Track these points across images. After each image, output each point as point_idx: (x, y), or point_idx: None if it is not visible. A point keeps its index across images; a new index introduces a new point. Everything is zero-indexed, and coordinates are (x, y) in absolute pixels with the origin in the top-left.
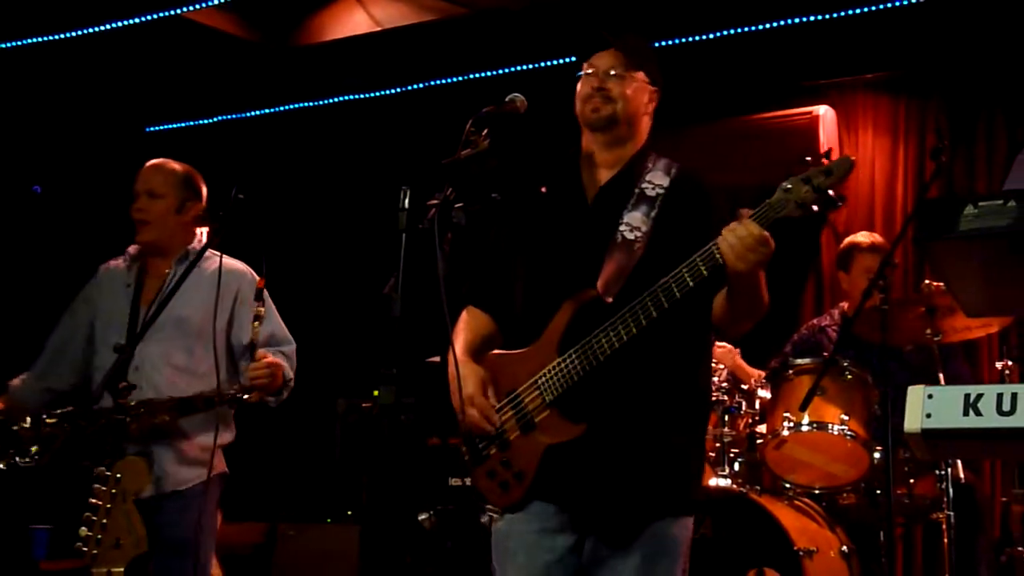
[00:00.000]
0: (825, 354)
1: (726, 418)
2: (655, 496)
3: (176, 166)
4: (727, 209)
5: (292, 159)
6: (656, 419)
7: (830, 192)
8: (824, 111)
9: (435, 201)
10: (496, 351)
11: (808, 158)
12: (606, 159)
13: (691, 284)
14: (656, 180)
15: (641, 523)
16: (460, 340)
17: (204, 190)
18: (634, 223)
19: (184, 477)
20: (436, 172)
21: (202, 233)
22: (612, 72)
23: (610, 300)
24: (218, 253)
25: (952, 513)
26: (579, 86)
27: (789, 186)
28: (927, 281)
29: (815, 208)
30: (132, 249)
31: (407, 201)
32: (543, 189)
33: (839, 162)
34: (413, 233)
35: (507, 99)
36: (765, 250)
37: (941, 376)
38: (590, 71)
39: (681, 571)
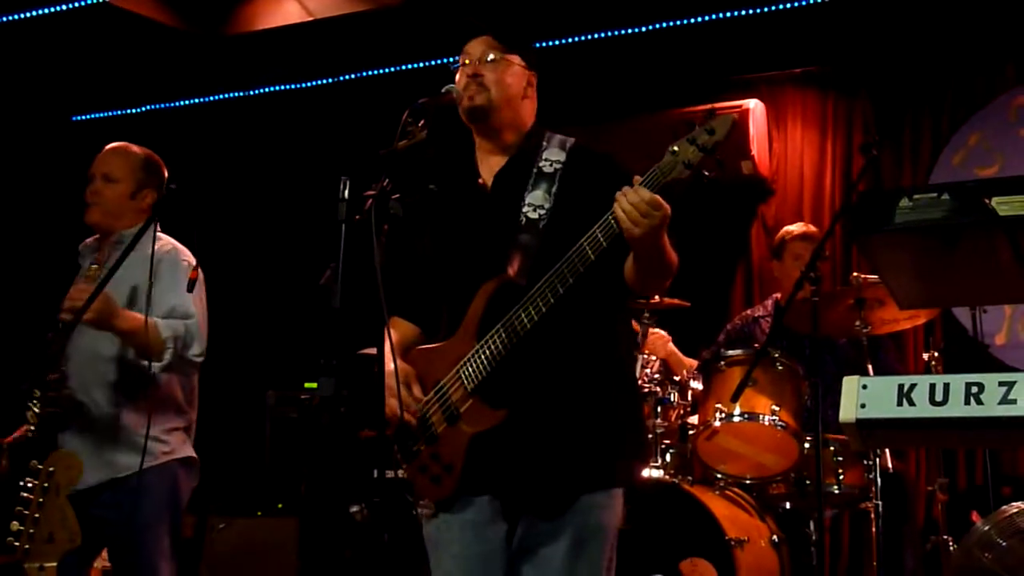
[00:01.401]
0: (757, 345)
1: (658, 409)
2: (580, 469)
3: (136, 150)
4: (627, 171)
5: (224, 149)
6: (576, 393)
7: (714, 152)
8: (754, 105)
9: (372, 192)
10: (421, 347)
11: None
12: (496, 146)
13: (592, 256)
14: (552, 156)
15: (568, 498)
16: (387, 344)
17: (160, 176)
18: (536, 202)
19: (125, 464)
20: (373, 163)
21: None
22: (487, 59)
23: (523, 282)
24: (166, 237)
25: (880, 502)
26: (458, 78)
27: (676, 148)
28: (855, 274)
29: (706, 172)
30: (88, 241)
31: (347, 191)
32: (431, 187)
33: (720, 119)
34: (352, 224)
35: (443, 90)
36: (659, 214)
37: (870, 367)
38: (466, 61)
39: (609, 553)
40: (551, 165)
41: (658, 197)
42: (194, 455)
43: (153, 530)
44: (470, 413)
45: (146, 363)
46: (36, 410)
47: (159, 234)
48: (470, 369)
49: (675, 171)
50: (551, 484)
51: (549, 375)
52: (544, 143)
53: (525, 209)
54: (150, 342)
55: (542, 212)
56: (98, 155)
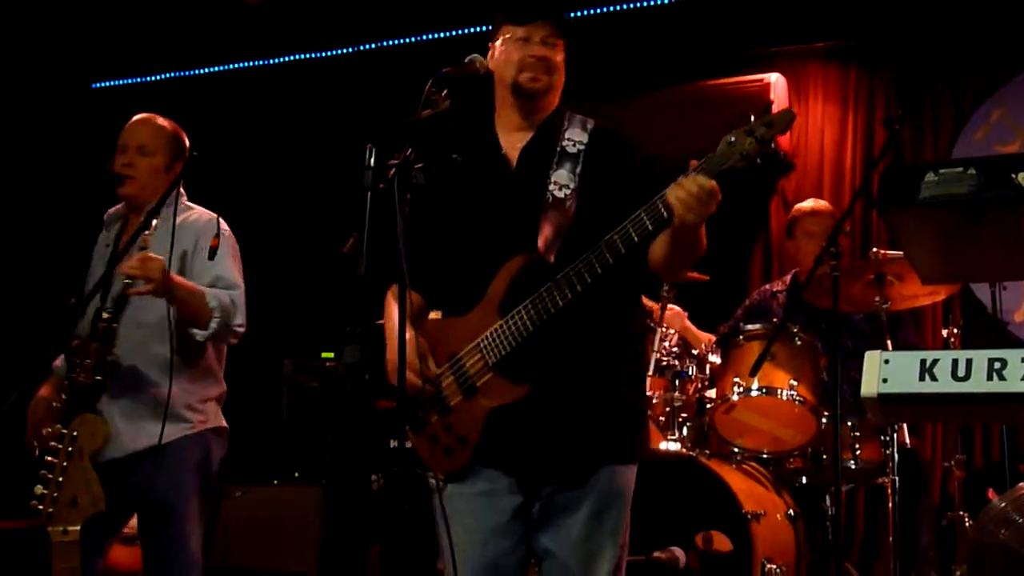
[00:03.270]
0: (775, 320)
1: (676, 382)
2: (601, 443)
3: (165, 123)
4: (648, 156)
5: (246, 118)
6: (598, 373)
7: (772, 144)
8: (775, 79)
9: (395, 161)
10: (436, 318)
11: (751, 115)
12: (524, 123)
13: (636, 239)
14: (575, 137)
15: (588, 470)
16: (392, 312)
17: (187, 148)
18: (561, 181)
19: (165, 432)
20: (396, 132)
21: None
22: (548, 41)
23: (552, 259)
24: (196, 207)
25: (897, 478)
26: (510, 52)
27: (733, 139)
28: (875, 249)
29: (759, 160)
30: (113, 209)
31: (372, 159)
32: (456, 157)
33: (781, 114)
34: (376, 191)
35: (467, 60)
36: (713, 201)
37: (888, 343)
38: (526, 38)
39: (626, 520)
40: (574, 145)
41: (716, 185)
42: (225, 424)
43: (186, 498)
44: (490, 387)
45: (193, 331)
46: (76, 376)
47: (189, 203)
48: (492, 343)
49: (732, 160)
50: (574, 456)
51: (573, 353)
52: (566, 123)
53: (551, 187)
54: (200, 311)
55: (568, 192)
56: (128, 125)
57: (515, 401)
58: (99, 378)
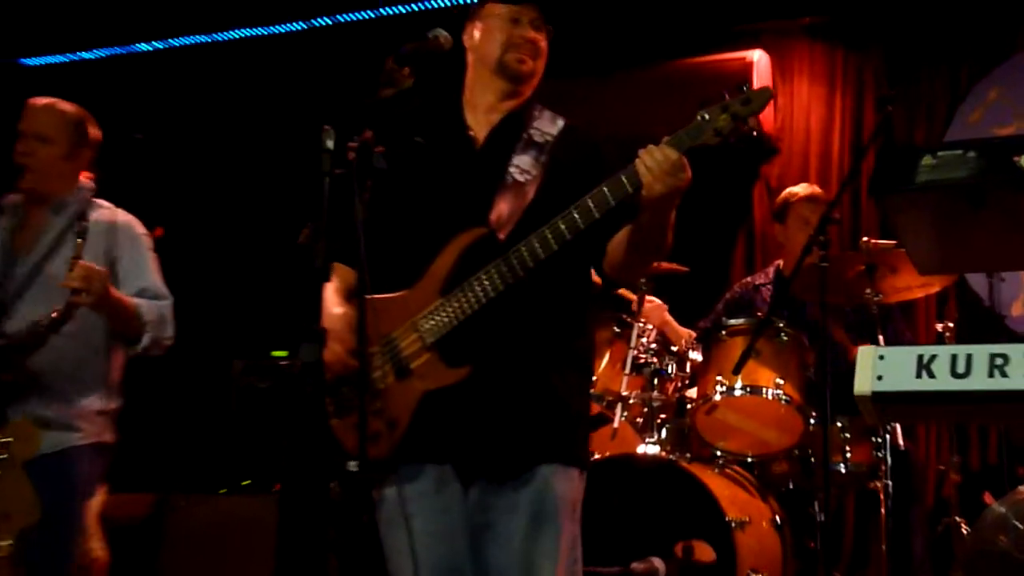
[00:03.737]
0: (759, 314)
1: (655, 381)
2: (539, 439)
3: (68, 108)
4: (618, 157)
5: (189, 99)
6: (542, 363)
7: (748, 123)
8: (758, 57)
9: (354, 144)
10: (373, 295)
11: (726, 93)
12: (496, 106)
13: (596, 215)
14: (544, 128)
15: (524, 466)
16: (328, 289)
17: (94, 135)
18: (524, 166)
19: (58, 440)
20: (355, 112)
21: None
22: (536, 24)
23: (502, 237)
24: (105, 203)
25: (889, 482)
26: (496, 31)
27: (706, 115)
28: (866, 239)
29: (732, 139)
30: (12, 198)
31: (330, 142)
32: (419, 139)
33: (758, 92)
34: (333, 177)
35: (429, 35)
36: (682, 175)
37: (881, 338)
38: (515, 19)
39: (571, 531)
40: (542, 135)
41: (684, 159)
42: (113, 439)
43: (67, 509)
44: (425, 368)
45: (124, 344)
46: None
47: (98, 200)
48: (431, 323)
49: (704, 137)
50: (510, 448)
51: (516, 340)
52: (536, 113)
53: (512, 170)
54: (132, 324)
55: (529, 177)
56: (27, 110)
57: (451, 385)
58: (20, 381)
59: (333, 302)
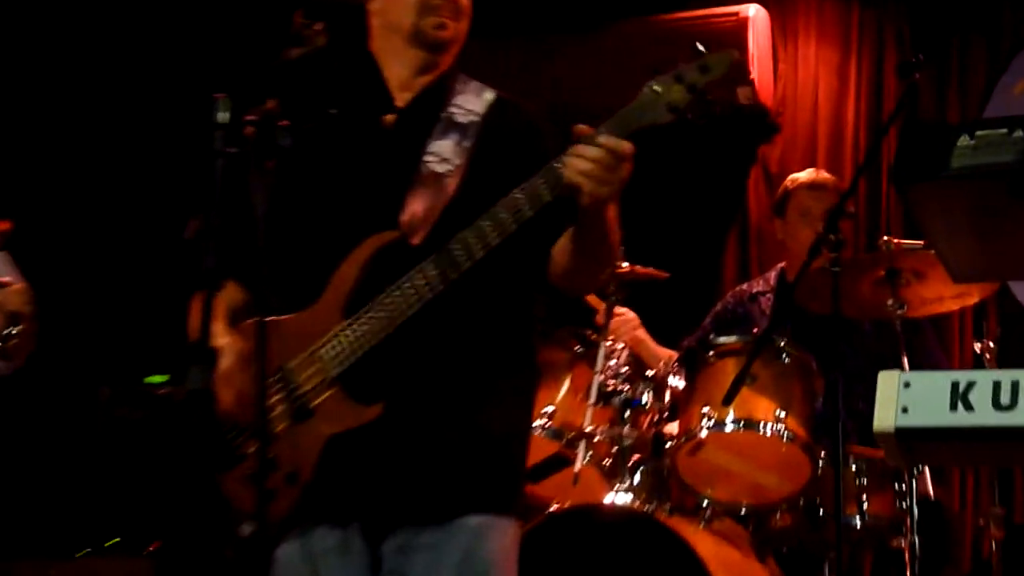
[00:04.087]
0: (757, 330)
1: (626, 413)
2: (468, 486)
3: None
4: (560, 139)
5: (43, 60)
6: (472, 395)
7: (709, 95)
8: (755, 12)
9: (253, 117)
10: (263, 317)
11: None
12: (411, 82)
13: (529, 212)
14: (468, 105)
15: (448, 519)
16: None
17: None
18: (443, 153)
19: None
20: (255, 78)
21: None
22: None
23: (417, 242)
24: None
25: (916, 538)
26: None
27: (657, 87)
28: (886, 237)
29: (691, 115)
30: None
31: (223, 115)
32: (333, 111)
33: (717, 57)
34: (227, 159)
35: None
36: (628, 166)
37: (905, 361)
38: None
39: None
40: (465, 115)
41: (628, 144)
42: None
43: None
44: (329, 407)
45: None
46: None
47: None
48: (334, 351)
49: (654, 114)
50: (430, 499)
51: (439, 369)
52: (458, 86)
53: (428, 159)
54: None
55: (449, 168)
56: None
57: (361, 426)
58: None
59: (215, 332)
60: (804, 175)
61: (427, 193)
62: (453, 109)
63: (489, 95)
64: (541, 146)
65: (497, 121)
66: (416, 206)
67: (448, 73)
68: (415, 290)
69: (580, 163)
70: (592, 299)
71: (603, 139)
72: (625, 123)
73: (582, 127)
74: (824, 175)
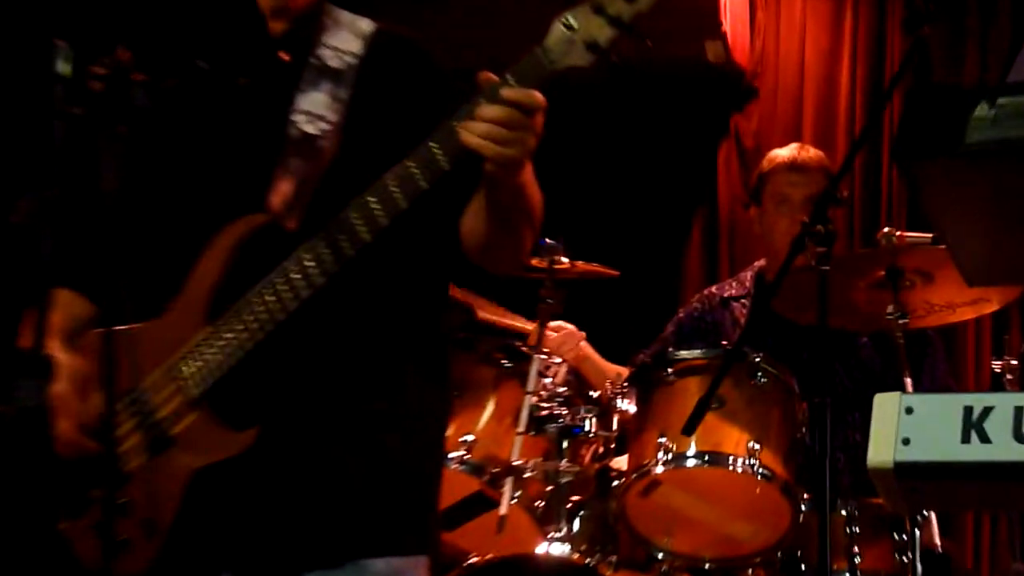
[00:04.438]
0: (726, 343)
1: (564, 445)
2: (367, 524)
3: None
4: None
5: None
6: (369, 415)
7: (634, 29)
8: None
9: (103, 70)
10: (110, 327)
11: None
12: (271, 21)
13: (424, 184)
14: (342, 45)
15: (345, 562)
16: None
17: None
18: (316, 110)
19: None
20: (103, 21)
21: None
22: None
23: (292, 226)
24: None
25: None
26: None
27: (572, 21)
28: (888, 229)
29: (614, 56)
30: None
31: (65, 65)
32: (202, 64)
33: None
34: (69, 121)
35: None
36: (539, 121)
37: (908, 381)
38: None
39: None
40: (339, 58)
41: (537, 94)
42: None
43: None
44: (192, 435)
45: None
46: None
47: None
48: (196, 365)
49: (569, 56)
50: (321, 542)
51: (327, 382)
52: (328, 22)
53: (298, 119)
54: None
55: (325, 127)
56: None
57: (232, 457)
58: None
59: (50, 348)
60: (785, 152)
61: (300, 162)
62: (324, 51)
63: (367, 26)
64: (439, 89)
65: (380, 62)
66: (287, 183)
67: (315, 8)
68: (290, 287)
69: (479, 125)
70: (511, 326)
71: (507, 92)
72: (534, 69)
73: (486, 74)
74: (809, 152)
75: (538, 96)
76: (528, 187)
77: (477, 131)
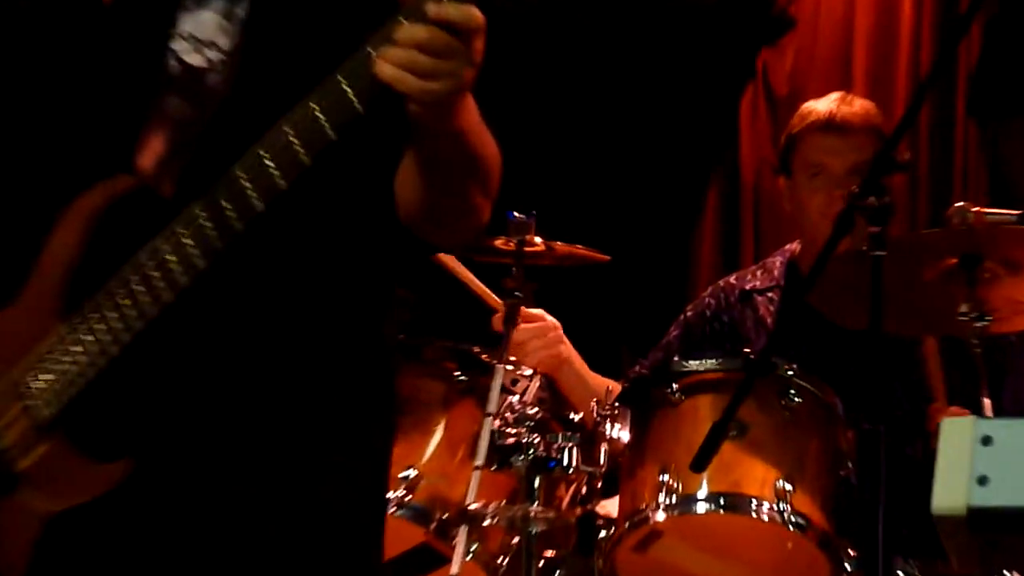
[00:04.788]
0: (748, 350)
1: (535, 483)
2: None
3: None
4: None
5: None
6: (282, 443)
7: None
8: None
9: None
10: None
11: None
12: None
13: (331, 133)
14: None
15: None
16: None
17: None
18: (203, 34)
19: None
20: None
21: None
22: None
23: (169, 191)
24: None
25: None
26: None
27: None
28: (961, 203)
29: None
30: None
31: None
32: None
33: None
34: None
35: None
36: (478, 47)
37: (986, 403)
38: None
39: None
40: None
41: (473, 10)
42: None
43: None
44: (44, 470)
45: None
46: None
47: None
48: (45, 378)
49: None
50: None
51: (217, 401)
52: None
53: (178, 47)
54: None
55: (214, 56)
56: None
57: (98, 496)
58: None
59: None
60: (821, 106)
61: (179, 105)
62: None
63: None
64: (363, 5)
65: None
66: (162, 130)
67: None
68: (162, 272)
69: (397, 52)
70: (481, 291)
71: (434, 7)
72: None
73: None
74: (854, 106)
75: (474, 13)
76: (471, 135)
77: (394, 59)
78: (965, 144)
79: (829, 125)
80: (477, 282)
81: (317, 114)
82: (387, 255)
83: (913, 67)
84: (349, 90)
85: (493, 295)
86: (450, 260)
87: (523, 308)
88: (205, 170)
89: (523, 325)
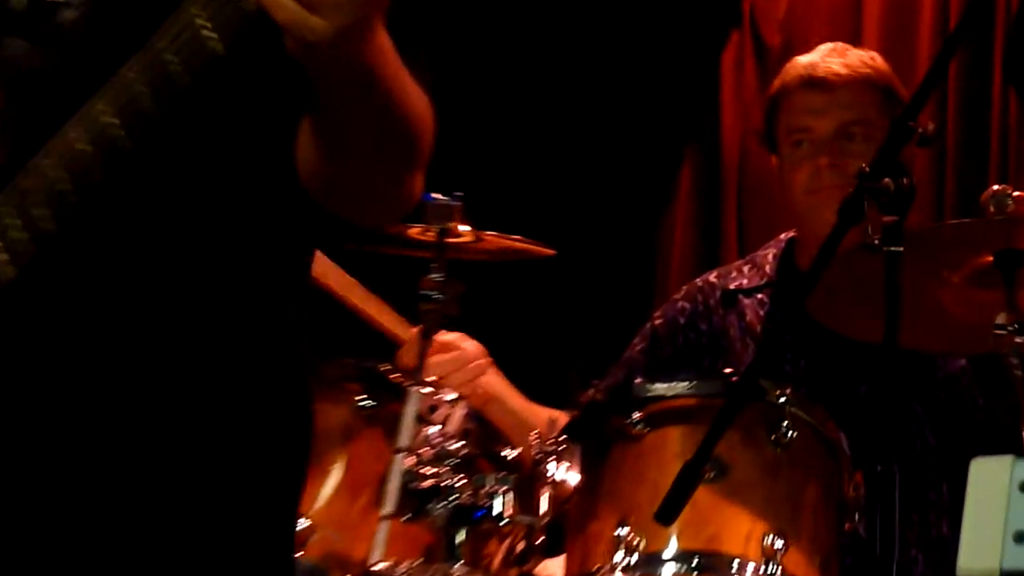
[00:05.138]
0: (729, 371)
1: (458, 538)
2: None
3: None
4: None
5: None
6: (167, 478)
7: None
8: None
9: None
10: None
11: None
12: None
13: (186, 80)
14: None
15: None
16: None
17: None
18: None
19: None
20: None
21: None
22: None
23: (1, 159)
24: None
25: None
26: None
27: None
28: (999, 187)
29: None
30: None
31: None
32: None
33: None
34: None
35: None
36: None
37: None
38: None
39: None
40: None
41: None
42: None
43: None
44: None
45: None
46: None
47: None
48: None
49: None
50: None
51: (75, 412)
52: None
53: None
54: None
55: None
56: None
57: None
58: None
59: None
60: (804, 59)
61: (21, 51)
62: None
63: None
64: None
65: None
66: None
67: None
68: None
69: None
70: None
71: None
72: None
73: None
74: (846, 56)
75: None
76: (384, 82)
77: None
78: (1003, 115)
79: (811, 80)
80: (385, 311)
81: (167, 56)
82: (286, 236)
83: (940, 16)
84: (204, 25)
85: (401, 330)
86: (346, 285)
87: (438, 335)
88: (47, 121)
89: (435, 357)
